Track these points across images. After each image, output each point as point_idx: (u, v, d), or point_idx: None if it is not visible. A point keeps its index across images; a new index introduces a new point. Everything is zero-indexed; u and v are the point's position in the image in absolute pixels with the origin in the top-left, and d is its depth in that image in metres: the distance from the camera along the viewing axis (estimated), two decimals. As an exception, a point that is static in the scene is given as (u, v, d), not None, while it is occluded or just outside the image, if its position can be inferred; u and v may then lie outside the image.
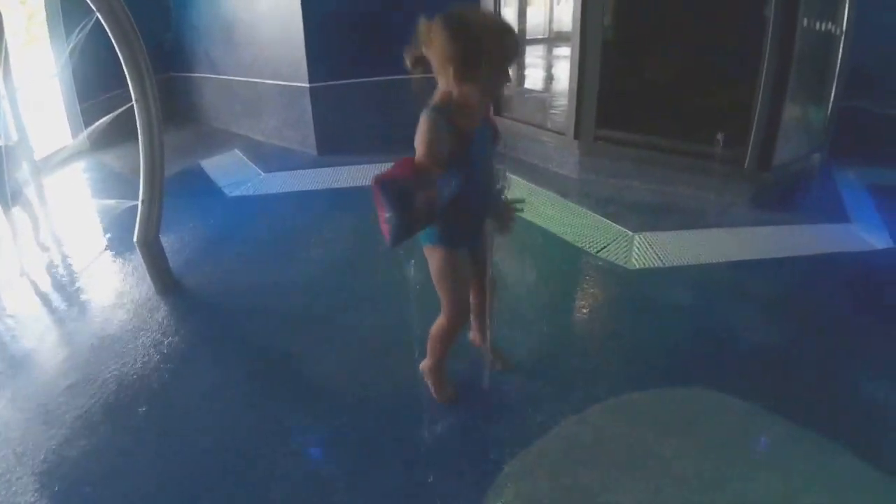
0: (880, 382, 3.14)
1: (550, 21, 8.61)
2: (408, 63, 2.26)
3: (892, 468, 2.48)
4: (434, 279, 2.56)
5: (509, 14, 6.45)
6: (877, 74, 7.07)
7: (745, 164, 5.13)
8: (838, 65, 6.22)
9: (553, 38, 7.89)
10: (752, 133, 5.14)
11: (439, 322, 2.68)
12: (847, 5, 6.08)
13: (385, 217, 2.16)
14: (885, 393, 3.06)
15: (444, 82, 2.24)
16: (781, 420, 2.75)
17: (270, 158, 6.51)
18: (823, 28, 6.41)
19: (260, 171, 6.14)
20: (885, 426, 2.87)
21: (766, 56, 4.95)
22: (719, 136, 5.13)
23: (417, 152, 2.20)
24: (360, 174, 5.76)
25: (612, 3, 5.59)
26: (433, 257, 2.53)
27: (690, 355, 3.24)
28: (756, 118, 5.13)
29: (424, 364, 2.87)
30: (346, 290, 3.90)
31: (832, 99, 6.69)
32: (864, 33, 6.47)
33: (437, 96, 2.27)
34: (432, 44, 2.17)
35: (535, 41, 8.07)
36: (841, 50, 6.25)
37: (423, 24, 2.18)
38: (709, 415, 2.82)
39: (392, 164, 2.23)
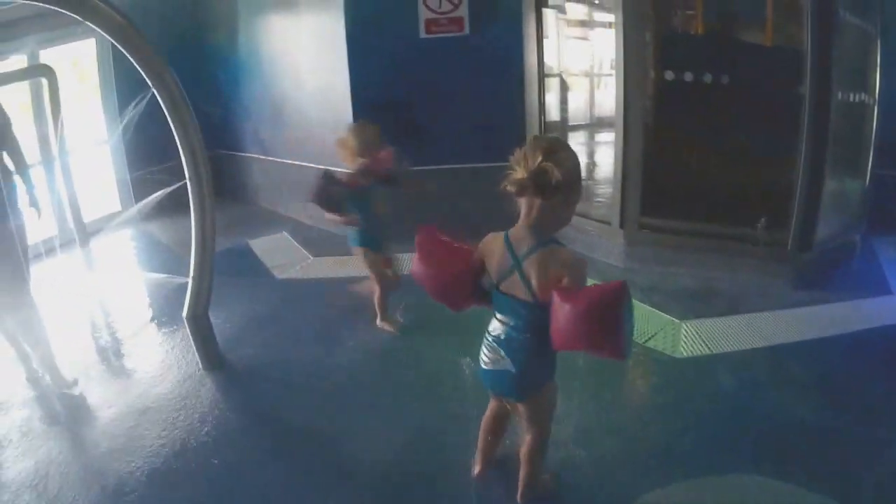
0: None
1: (592, 106, 8.84)
2: (511, 188, 2.36)
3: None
4: (538, 410, 2.76)
5: (551, 99, 6.74)
6: None
7: (788, 246, 5.26)
8: (873, 136, 6.37)
9: (595, 124, 8.16)
10: (794, 214, 5.27)
11: (532, 440, 2.84)
12: (878, 74, 6.28)
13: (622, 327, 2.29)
14: None
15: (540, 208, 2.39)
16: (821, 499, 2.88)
17: (319, 243, 6.59)
18: (856, 99, 6.55)
19: (308, 255, 6.32)
20: None
21: (804, 134, 5.12)
22: (762, 221, 5.28)
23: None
24: (404, 263, 5.94)
25: (652, 90, 5.84)
26: (549, 391, 2.76)
27: (737, 442, 3.34)
28: (796, 198, 5.26)
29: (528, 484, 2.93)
30: (390, 377, 4.13)
31: (869, 170, 6.77)
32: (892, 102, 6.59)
33: (542, 226, 2.43)
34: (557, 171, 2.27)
35: (576, 127, 8.32)
36: (875, 120, 6.40)
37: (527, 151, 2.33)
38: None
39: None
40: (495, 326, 2.62)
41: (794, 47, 5.21)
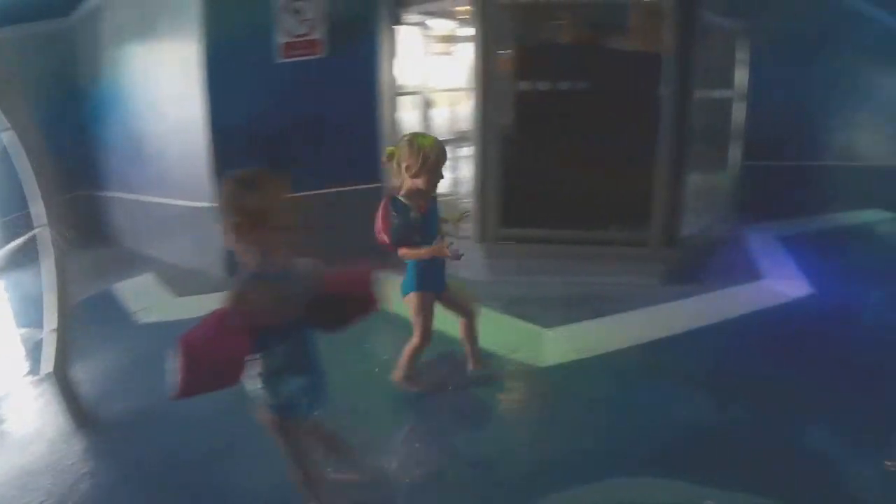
0: (812, 435, 3.24)
1: (455, 121, 8.69)
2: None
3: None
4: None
5: (413, 117, 6.54)
6: (774, 132, 7.37)
7: (650, 244, 5.17)
8: (742, 130, 6.53)
9: (457, 139, 7.96)
10: (654, 212, 5.22)
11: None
12: (745, 71, 6.44)
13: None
14: (815, 443, 3.17)
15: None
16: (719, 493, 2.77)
17: (183, 281, 6.13)
18: (722, 95, 6.69)
19: (173, 295, 5.84)
20: (821, 475, 2.95)
21: (663, 134, 5.13)
22: (617, 223, 5.27)
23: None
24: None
25: (509, 102, 5.67)
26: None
27: (617, 444, 3.18)
28: (656, 197, 5.22)
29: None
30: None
31: (735, 161, 6.89)
32: (759, 95, 6.76)
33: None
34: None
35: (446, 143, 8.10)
36: (740, 113, 6.54)
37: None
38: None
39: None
40: None
41: (655, 51, 5.25)
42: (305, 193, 5.80)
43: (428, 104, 6.81)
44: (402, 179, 3.46)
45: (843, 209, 8.90)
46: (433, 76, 6.78)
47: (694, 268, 5.35)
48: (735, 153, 7.03)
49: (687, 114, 5.25)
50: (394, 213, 3.38)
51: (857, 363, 4.02)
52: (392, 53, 5.91)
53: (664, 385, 3.69)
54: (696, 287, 5.07)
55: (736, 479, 2.84)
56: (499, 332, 4.38)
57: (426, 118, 6.79)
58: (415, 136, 3.49)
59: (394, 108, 6.04)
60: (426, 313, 3.63)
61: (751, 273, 5.52)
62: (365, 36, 5.84)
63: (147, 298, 5.80)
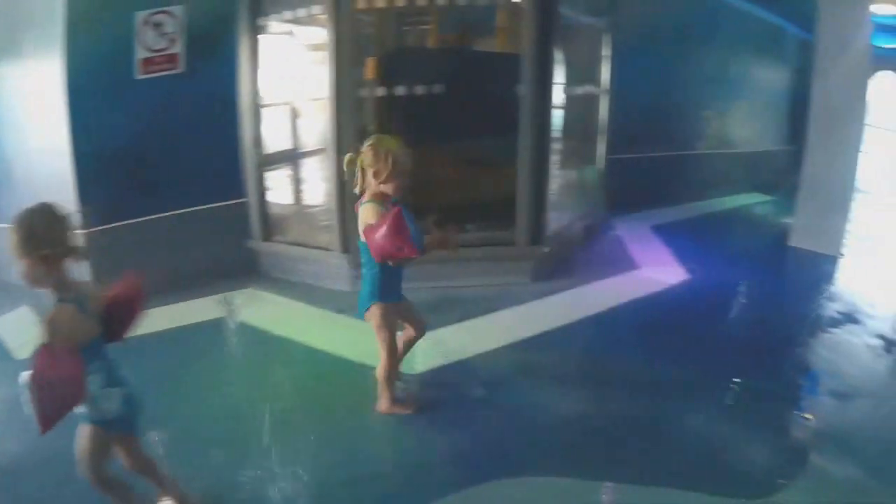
0: (692, 418, 3.41)
1: (323, 132, 8.45)
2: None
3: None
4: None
5: (279, 129, 6.37)
6: (641, 124, 7.72)
7: (517, 242, 5.26)
8: (606, 124, 6.84)
9: (323, 150, 7.81)
10: (519, 210, 5.30)
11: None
12: (608, 67, 6.73)
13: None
14: (697, 426, 3.33)
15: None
16: (609, 487, 2.86)
17: None
18: (586, 92, 6.94)
19: None
20: (705, 457, 3.13)
21: (523, 133, 5.21)
22: (482, 225, 5.30)
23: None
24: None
25: (370, 109, 5.64)
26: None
27: (497, 446, 3.22)
28: (520, 195, 5.31)
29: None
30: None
31: (603, 155, 7.16)
32: (626, 90, 7.05)
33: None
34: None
35: (305, 154, 7.87)
36: (604, 108, 6.84)
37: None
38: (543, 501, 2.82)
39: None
40: None
41: (518, 52, 5.31)
42: (165, 214, 5.68)
43: (296, 115, 6.67)
44: (365, 185, 3.37)
45: (718, 195, 9.54)
46: (301, 86, 6.67)
47: (564, 263, 5.44)
48: (601, 147, 7.25)
49: (547, 112, 5.37)
50: (409, 221, 3.23)
51: (732, 343, 4.24)
52: (255, 64, 5.65)
53: (538, 383, 3.74)
54: (568, 282, 5.16)
55: (621, 471, 2.92)
56: (367, 341, 4.34)
57: (294, 129, 6.65)
58: (379, 141, 3.37)
59: (258, 121, 5.89)
60: (390, 325, 3.54)
61: (624, 264, 5.66)
62: (225, 48, 5.59)
63: (25, 332, 5.46)
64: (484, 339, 4.28)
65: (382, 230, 3.14)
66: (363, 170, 3.34)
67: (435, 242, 3.52)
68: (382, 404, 3.56)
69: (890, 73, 15.95)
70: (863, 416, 3.96)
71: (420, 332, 3.73)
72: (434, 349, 4.13)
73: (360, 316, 3.51)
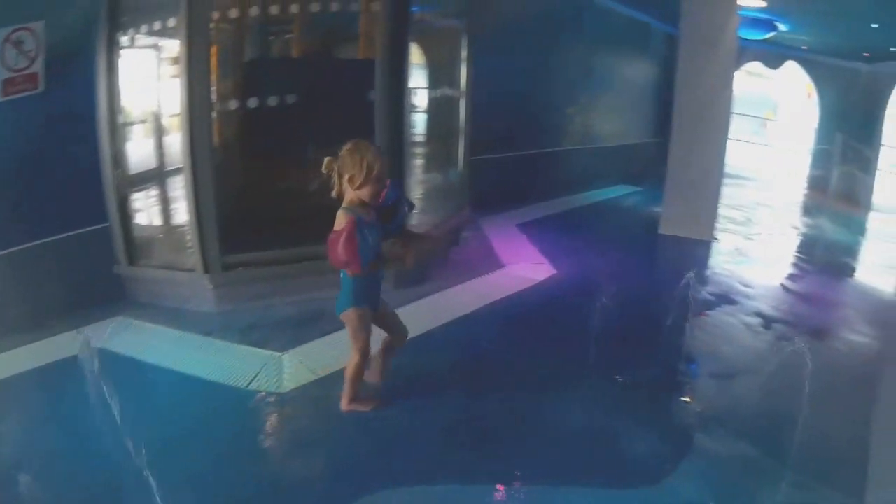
0: (570, 410, 3.60)
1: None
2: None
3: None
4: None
5: (141, 148, 5.98)
6: (503, 124, 7.77)
7: None
8: (471, 124, 6.84)
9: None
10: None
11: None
12: (466, 69, 6.73)
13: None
14: (573, 417, 3.49)
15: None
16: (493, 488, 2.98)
17: None
18: (446, 95, 6.93)
19: None
20: (585, 445, 3.27)
21: (379, 139, 5.19)
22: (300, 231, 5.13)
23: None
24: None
25: (227, 123, 5.48)
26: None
27: (377, 458, 3.26)
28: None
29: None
30: None
31: (464, 156, 7.17)
32: (485, 90, 7.10)
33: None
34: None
35: (170, 173, 7.49)
36: (463, 111, 6.87)
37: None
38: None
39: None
40: None
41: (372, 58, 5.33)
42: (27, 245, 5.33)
43: (161, 131, 6.40)
44: (342, 191, 3.44)
45: (586, 189, 9.76)
46: (163, 102, 6.38)
47: (432, 266, 5.53)
48: (464, 149, 7.32)
49: (401, 117, 5.44)
50: (361, 234, 3.25)
51: (607, 334, 4.40)
52: (113, 81, 5.39)
53: (411, 390, 3.82)
54: (434, 286, 5.30)
55: (504, 471, 3.03)
56: (235, 362, 4.26)
57: (160, 146, 6.38)
58: (356, 145, 3.38)
59: (118, 140, 5.57)
60: (365, 330, 3.57)
61: (490, 264, 5.79)
62: (84, 65, 5.31)
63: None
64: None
65: (334, 241, 3.24)
66: (340, 175, 3.40)
67: (394, 257, 3.58)
68: (344, 403, 3.63)
69: (759, 64, 16.84)
70: (746, 394, 4.19)
71: (399, 341, 3.85)
72: (302, 365, 4.19)
73: (338, 315, 3.61)
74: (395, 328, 3.81)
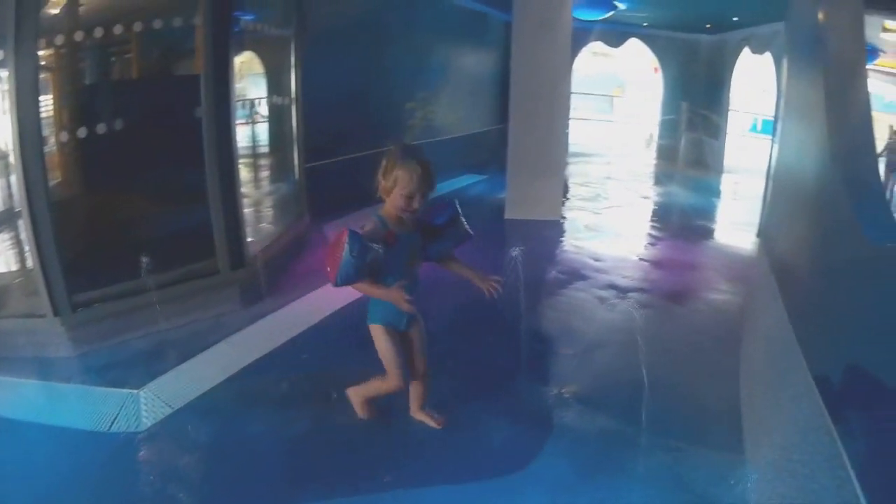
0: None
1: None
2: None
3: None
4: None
5: None
6: (340, 127, 7.85)
7: (221, 270, 5.38)
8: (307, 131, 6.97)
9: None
10: (216, 236, 5.39)
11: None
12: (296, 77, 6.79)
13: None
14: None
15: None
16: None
17: None
18: (279, 104, 6.96)
19: None
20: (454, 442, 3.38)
21: (208, 155, 5.27)
22: (183, 258, 5.30)
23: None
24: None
25: (62, 154, 5.43)
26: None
27: (230, 485, 3.34)
28: (214, 221, 5.40)
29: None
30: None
31: (299, 164, 7.25)
32: (317, 96, 7.22)
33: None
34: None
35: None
36: (295, 118, 7.01)
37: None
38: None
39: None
40: None
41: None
42: None
43: (6, 170, 6.18)
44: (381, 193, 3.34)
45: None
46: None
47: (274, 281, 5.69)
48: (298, 157, 7.44)
49: (228, 131, 5.46)
50: (349, 249, 3.08)
51: (458, 325, 4.64)
52: None
53: (264, 410, 3.97)
54: (280, 300, 5.43)
55: (361, 481, 3.18)
56: (95, 406, 4.38)
57: (7, 187, 6.16)
58: (393, 151, 3.30)
59: None
60: (389, 352, 3.41)
61: None
62: None
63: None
64: (204, 377, 4.49)
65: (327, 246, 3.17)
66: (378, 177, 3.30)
67: (390, 293, 3.29)
68: (353, 394, 3.73)
69: (600, 44, 17.49)
70: (603, 367, 4.31)
71: (415, 376, 3.67)
72: (158, 399, 4.33)
73: None
74: (413, 360, 3.65)
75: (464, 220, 3.60)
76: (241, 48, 6.18)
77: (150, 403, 4.29)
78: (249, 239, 5.93)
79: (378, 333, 3.41)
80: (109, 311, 5.31)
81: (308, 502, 3.20)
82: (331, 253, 3.13)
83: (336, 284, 3.16)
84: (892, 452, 2.08)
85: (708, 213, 10.22)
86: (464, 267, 3.62)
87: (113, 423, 4.12)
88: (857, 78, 3.78)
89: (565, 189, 9.24)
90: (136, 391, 4.44)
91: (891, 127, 13.28)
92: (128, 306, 5.32)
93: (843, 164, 3.21)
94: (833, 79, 3.71)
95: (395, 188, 3.21)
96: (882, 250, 2.55)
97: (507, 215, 8.15)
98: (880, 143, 12.70)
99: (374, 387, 3.59)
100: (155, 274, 5.32)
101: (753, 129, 22.05)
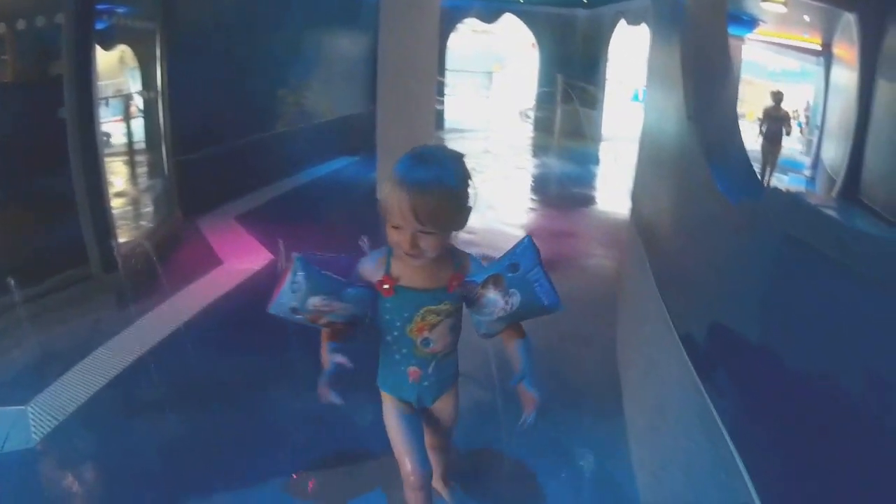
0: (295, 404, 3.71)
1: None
2: None
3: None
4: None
5: None
6: (210, 119, 7.75)
7: (93, 275, 5.37)
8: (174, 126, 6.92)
9: None
10: (85, 240, 5.38)
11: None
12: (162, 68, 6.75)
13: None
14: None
15: None
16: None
17: None
18: (143, 99, 6.84)
19: None
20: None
21: (73, 158, 5.21)
22: (54, 268, 5.20)
23: None
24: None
25: None
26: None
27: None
28: (83, 224, 5.37)
29: None
30: None
31: (168, 159, 7.21)
32: (184, 89, 7.16)
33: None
34: None
35: None
36: (162, 112, 6.97)
37: None
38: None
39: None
40: None
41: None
42: None
43: None
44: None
45: (306, 168, 9.74)
46: None
47: (148, 280, 5.66)
48: (168, 151, 7.41)
49: (92, 131, 5.36)
50: (291, 278, 2.29)
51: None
52: None
53: (144, 417, 4.03)
54: (155, 299, 5.42)
55: (236, 485, 3.24)
56: None
57: None
58: (409, 153, 2.34)
59: None
60: (392, 431, 2.50)
61: (208, 263, 5.99)
62: None
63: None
64: (84, 387, 4.51)
65: None
66: None
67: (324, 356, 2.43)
68: None
69: (477, 22, 17.60)
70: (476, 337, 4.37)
71: (436, 466, 2.80)
72: (45, 413, 4.32)
73: None
74: (432, 449, 2.77)
75: (538, 278, 2.45)
76: (105, 44, 6.05)
77: (39, 418, 4.30)
78: (121, 240, 5.92)
79: (384, 404, 2.59)
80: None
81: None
82: (283, 274, 2.38)
83: (269, 310, 2.39)
84: (757, 404, 2.05)
85: (584, 180, 10.45)
86: (520, 359, 2.52)
87: (4, 443, 4.07)
88: (716, 42, 3.79)
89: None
90: (24, 407, 4.41)
91: (772, 94, 13.16)
92: (4, 322, 5.20)
93: (701, 125, 3.28)
94: (690, 45, 3.74)
95: (387, 211, 2.25)
96: (739, 207, 2.52)
97: (379, 195, 8.21)
98: (760, 111, 12.89)
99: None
100: (28, 287, 5.19)
101: (636, 97, 22.98)
